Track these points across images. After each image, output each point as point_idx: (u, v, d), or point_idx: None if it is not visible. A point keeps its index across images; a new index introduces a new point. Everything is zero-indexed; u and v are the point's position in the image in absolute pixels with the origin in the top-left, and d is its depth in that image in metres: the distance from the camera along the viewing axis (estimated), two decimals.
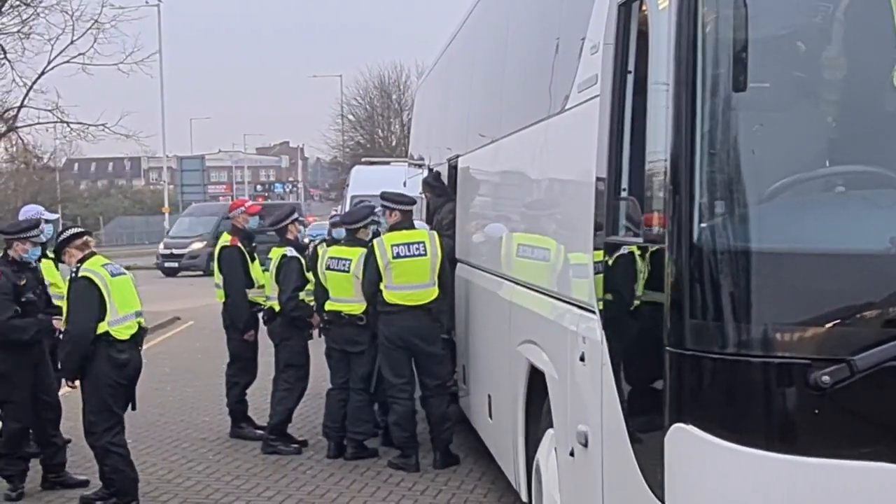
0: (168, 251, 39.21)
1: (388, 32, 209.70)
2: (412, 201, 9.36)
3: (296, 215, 10.40)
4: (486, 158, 8.50)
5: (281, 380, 10.06)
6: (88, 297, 7.79)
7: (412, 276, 8.88)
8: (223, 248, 10.53)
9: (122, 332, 7.85)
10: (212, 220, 39.81)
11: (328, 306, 9.52)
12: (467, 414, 9.52)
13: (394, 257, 8.87)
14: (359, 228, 9.54)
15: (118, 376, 7.88)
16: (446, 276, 9.13)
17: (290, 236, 10.11)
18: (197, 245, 38.10)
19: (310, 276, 9.92)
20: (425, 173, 12.12)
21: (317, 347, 10.17)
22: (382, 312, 8.96)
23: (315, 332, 10.12)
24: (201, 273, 35.90)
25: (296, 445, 9.86)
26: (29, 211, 9.99)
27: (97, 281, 7.78)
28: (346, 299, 9.31)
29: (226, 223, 40.25)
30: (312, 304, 9.85)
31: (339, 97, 67.89)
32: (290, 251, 9.91)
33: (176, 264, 38.09)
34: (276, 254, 10.02)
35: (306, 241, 11.67)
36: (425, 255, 8.91)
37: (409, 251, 8.90)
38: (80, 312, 7.81)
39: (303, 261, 9.91)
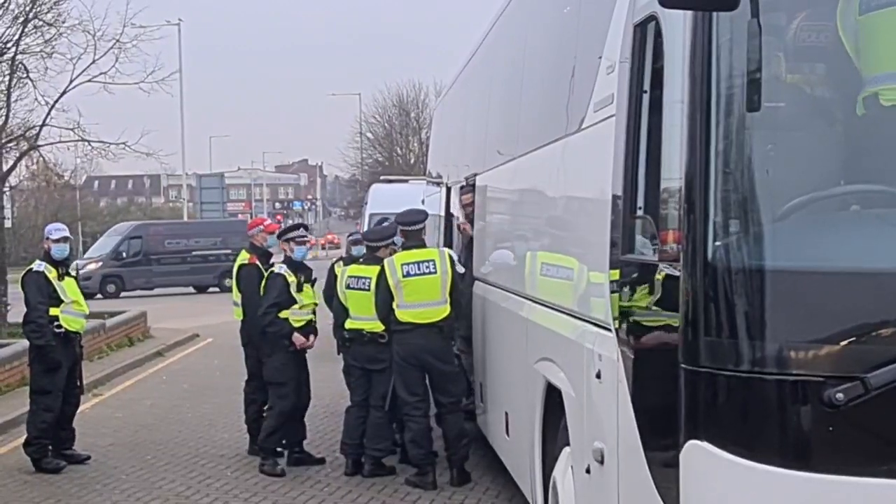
0: None
1: (406, 48, 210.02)
2: (417, 221, 9.33)
3: (297, 233, 10.31)
4: (503, 177, 8.53)
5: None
6: None
7: (423, 294, 8.92)
8: (241, 266, 10.59)
9: None
10: (117, 240, 39.63)
11: (348, 324, 9.55)
12: (484, 431, 9.53)
13: (403, 276, 8.92)
14: (380, 247, 9.56)
15: None
16: (458, 294, 9.16)
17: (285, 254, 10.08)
18: (91, 266, 37.46)
19: (300, 295, 9.83)
20: (443, 191, 12.14)
21: (335, 366, 10.19)
22: (396, 331, 9.01)
23: (304, 345, 9.97)
24: (100, 296, 35.37)
25: (281, 468, 9.76)
26: (48, 228, 10.27)
27: None
28: (367, 317, 9.33)
29: (134, 243, 39.97)
30: (300, 324, 9.81)
31: (357, 115, 68.24)
32: (280, 268, 9.91)
33: None
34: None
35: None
36: (435, 273, 8.95)
37: (419, 269, 8.94)
38: None
39: (290, 279, 9.77)
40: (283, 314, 9.80)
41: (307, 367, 10.17)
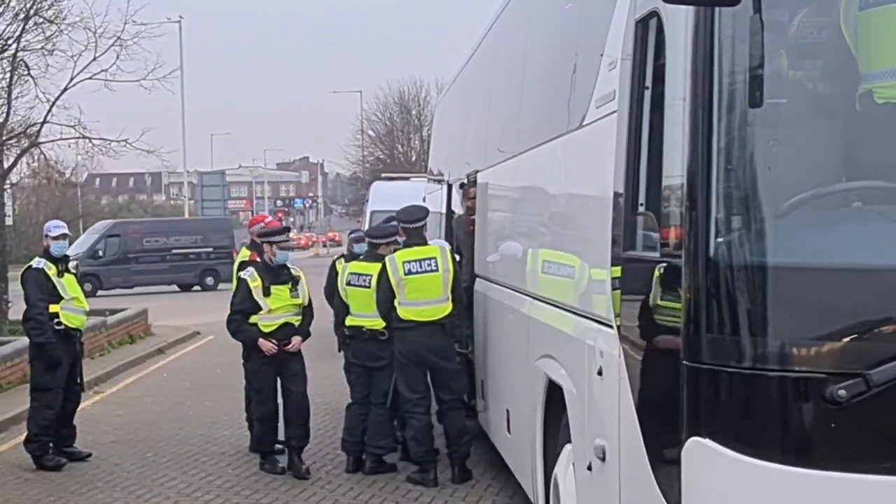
0: None
1: (407, 46, 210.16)
2: (418, 218, 9.24)
3: (282, 238, 9.91)
4: (504, 174, 8.53)
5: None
6: None
7: (425, 291, 8.91)
8: (242, 262, 10.58)
9: None
10: (95, 238, 39.37)
11: (349, 321, 9.54)
12: (486, 429, 9.53)
13: (405, 274, 8.90)
14: (381, 244, 9.53)
15: None
16: (460, 291, 9.14)
17: (267, 256, 9.69)
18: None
19: (268, 300, 9.45)
20: (444, 189, 12.13)
21: (335, 363, 10.17)
22: (397, 328, 9.00)
23: (271, 351, 9.56)
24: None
25: (282, 466, 9.67)
26: (47, 225, 10.32)
27: None
28: (368, 314, 9.31)
29: (111, 241, 39.69)
30: (271, 328, 9.48)
31: (359, 113, 68.34)
32: (246, 272, 9.63)
33: None
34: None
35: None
36: (437, 270, 8.94)
37: (421, 267, 8.93)
38: None
39: (252, 284, 9.43)
40: (252, 319, 9.54)
41: (298, 368, 9.73)
